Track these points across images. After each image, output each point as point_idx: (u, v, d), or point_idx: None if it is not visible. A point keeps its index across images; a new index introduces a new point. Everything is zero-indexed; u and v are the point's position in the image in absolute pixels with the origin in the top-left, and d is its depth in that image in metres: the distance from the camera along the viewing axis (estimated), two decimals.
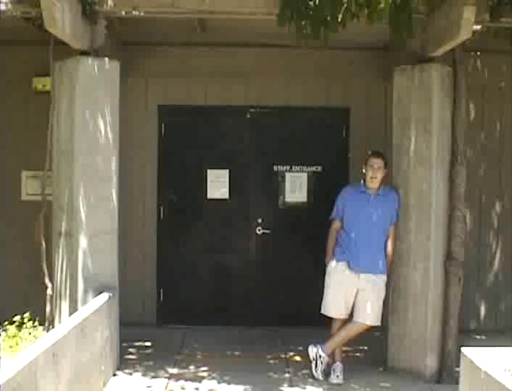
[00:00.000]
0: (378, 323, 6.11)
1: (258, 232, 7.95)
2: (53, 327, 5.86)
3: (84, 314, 5.05)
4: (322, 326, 6.30)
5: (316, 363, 6.09)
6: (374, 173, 6.07)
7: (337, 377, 6.03)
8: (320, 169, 7.96)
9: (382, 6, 5.11)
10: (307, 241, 7.81)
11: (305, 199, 7.98)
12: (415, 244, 6.20)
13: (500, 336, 7.26)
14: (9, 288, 7.38)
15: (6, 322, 5.76)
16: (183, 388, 5.76)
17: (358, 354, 6.88)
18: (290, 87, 7.85)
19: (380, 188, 6.14)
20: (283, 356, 6.77)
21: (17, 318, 5.79)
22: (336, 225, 6.23)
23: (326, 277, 6.16)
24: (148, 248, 7.88)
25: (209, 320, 7.85)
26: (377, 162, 6.09)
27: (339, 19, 5.18)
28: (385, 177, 6.15)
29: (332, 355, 6.15)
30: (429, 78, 6.14)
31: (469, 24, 5.29)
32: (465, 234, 6.55)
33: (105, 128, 5.97)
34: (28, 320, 5.83)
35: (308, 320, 7.37)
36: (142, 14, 5.81)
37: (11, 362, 3.63)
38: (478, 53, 7.59)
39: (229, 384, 5.87)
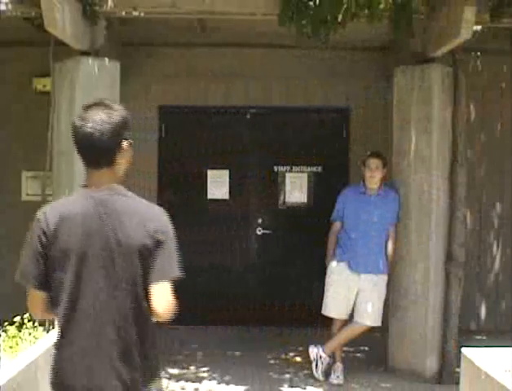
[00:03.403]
0: (379, 324, 6.11)
1: (258, 232, 7.95)
2: (53, 327, 5.85)
3: None
4: (322, 326, 6.30)
5: (317, 364, 6.09)
6: (372, 173, 6.08)
7: (337, 378, 6.03)
8: (320, 169, 7.95)
9: (383, 6, 5.12)
10: (307, 241, 7.80)
11: (305, 200, 7.97)
12: (415, 244, 6.20)
13: (500, 336, 7.26)
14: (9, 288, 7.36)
15: (6, 323, 5.75)
16: (183, 389, 5.76)
17: (358, 354, 6.88)
18: (290, 87, 7.85)
19: (380, 188, 6.14)
20: (283, 356, 6.77)
21: (17, 318, 5.78)
22: (336, 225, 6.23)
23: (327, 277, 6.16)
24: None
25: (209, 320, 7.84)
26: (374, 162, 6.10)
27: (339, 20, 5.19)
28: (384, 177, 6.16)
29: (332, 356, 6.15)
30: (429, 78, 6.14)
31: (469, 24, 5.29)
32: (466, 234, 6.56)
33: None
34: (29, 321, 5.81)
35: (308, 320, 7.37)
36: (142, 14, 5.82)
37: (12, 362, 3.63)
38: (479, 53, 7.58)
39: (229, 384, 5.87)
